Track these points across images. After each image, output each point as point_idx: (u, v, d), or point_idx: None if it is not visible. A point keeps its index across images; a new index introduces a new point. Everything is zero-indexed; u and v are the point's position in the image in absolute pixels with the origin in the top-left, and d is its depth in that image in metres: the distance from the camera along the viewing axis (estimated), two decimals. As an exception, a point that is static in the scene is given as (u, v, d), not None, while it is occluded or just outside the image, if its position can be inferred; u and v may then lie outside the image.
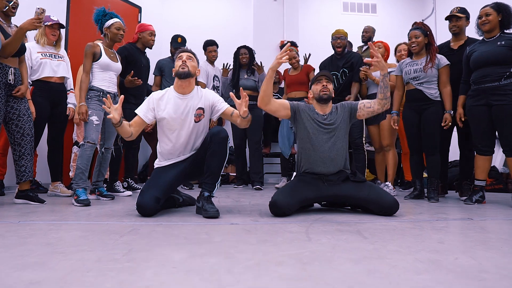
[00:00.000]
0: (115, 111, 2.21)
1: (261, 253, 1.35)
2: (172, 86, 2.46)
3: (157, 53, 4.34)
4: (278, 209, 2.21)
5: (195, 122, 2.38)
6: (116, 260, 1.25)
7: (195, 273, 1.11)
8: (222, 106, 2.45)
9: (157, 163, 2.49)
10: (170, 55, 4.17)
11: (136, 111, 2.44)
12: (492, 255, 1.36)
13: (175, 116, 2.37)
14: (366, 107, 2.51)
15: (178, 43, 4.08)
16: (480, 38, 3.09)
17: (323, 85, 2.49)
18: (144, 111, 2.40)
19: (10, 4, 2.61)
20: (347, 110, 2.51)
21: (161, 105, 2.39)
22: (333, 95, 2.54)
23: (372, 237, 1.65)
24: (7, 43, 2.51)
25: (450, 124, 3.11)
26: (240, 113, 2.33)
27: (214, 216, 2.15)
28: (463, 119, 3.08)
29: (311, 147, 2.43)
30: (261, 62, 4.34)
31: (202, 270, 1.15)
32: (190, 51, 2.46)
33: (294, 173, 2.74)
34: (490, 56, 2.88)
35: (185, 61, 2.36)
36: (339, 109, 2.53)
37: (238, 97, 2.34)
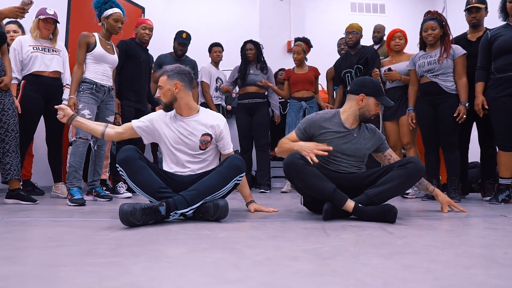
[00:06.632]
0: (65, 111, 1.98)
1: (273, 248, 1.15)
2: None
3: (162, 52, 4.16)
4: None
5: (201, 149, 1.98)
6: (102, 254, 1.06)
7: (195, 268, 0.92)
8: (225, 147, 2.05)
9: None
10: (172, 50, 4.00)
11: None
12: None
13: (174, 136, 1.98)
14: (386, 158, 2.12)
15: (182, 38, 3.88)
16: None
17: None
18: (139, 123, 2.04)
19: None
20: (375, 144, 2.09)
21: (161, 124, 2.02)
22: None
23: (398, 232, 1.44)
24: None
25: (464, 117, 2.85)
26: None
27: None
28: (486, 107, 2.83)
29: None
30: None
31: (203, 265, 0.95)
32: (161, 74, 1.95)
33: None
34: None
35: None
36: (370, 133, 2.08)
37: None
